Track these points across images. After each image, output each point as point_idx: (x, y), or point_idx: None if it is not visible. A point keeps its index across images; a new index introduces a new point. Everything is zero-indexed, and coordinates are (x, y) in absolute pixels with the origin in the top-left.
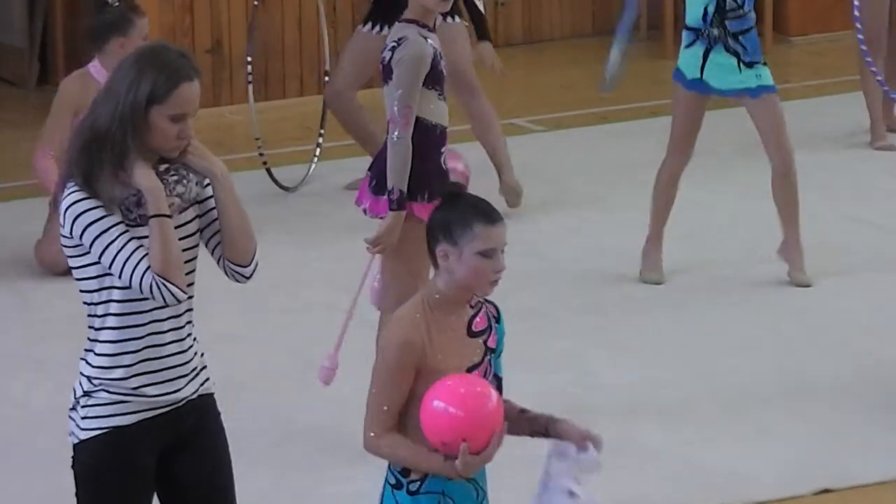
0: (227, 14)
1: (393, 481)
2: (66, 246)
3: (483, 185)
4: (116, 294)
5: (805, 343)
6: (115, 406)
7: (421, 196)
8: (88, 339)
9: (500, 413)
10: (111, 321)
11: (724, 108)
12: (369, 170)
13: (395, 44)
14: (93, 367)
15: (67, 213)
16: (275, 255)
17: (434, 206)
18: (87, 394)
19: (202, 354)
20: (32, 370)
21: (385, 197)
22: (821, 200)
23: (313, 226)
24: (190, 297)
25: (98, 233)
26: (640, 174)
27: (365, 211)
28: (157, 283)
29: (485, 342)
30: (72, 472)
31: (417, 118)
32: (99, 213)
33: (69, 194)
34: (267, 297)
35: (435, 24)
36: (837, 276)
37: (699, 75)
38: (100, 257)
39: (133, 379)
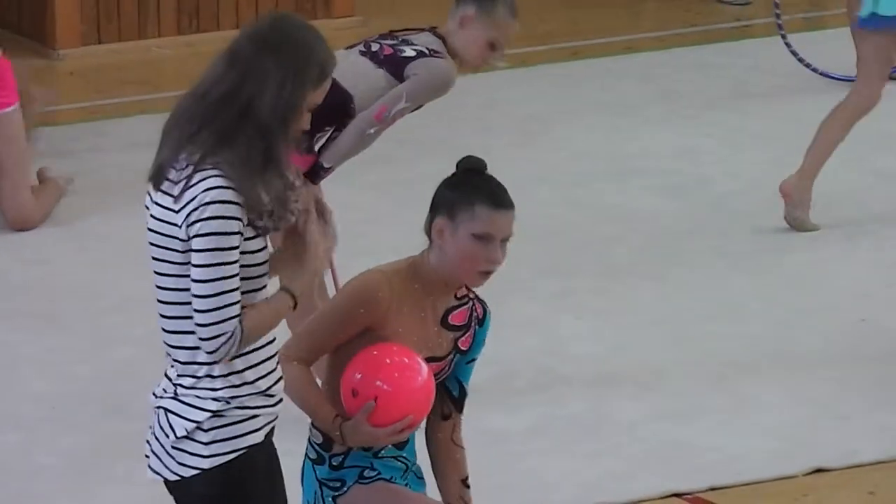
0: None
1: (314, 456)
2: (168, 235)
3: None
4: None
5: (797, 308)
6: (248, 422)
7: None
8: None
9: (426, 393)
10: None
11: (717, 42)
12: None
13: (425, 50)
14: (221, 386)
15: (207, 207)
16: None
17: (445, 180)
18: (216, 414)
19: None
20: None
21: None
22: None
23: None
24: None
25: (219, 246)
26: (615, 117)
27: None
28: (234, 339)
29: (456, 340)
30: None
31: (356, 92)
32: (236, 225)
33: (217, 186)
34: None
35: None
36: (840, 235)
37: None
38: (192, 264)
39: (270, 387)
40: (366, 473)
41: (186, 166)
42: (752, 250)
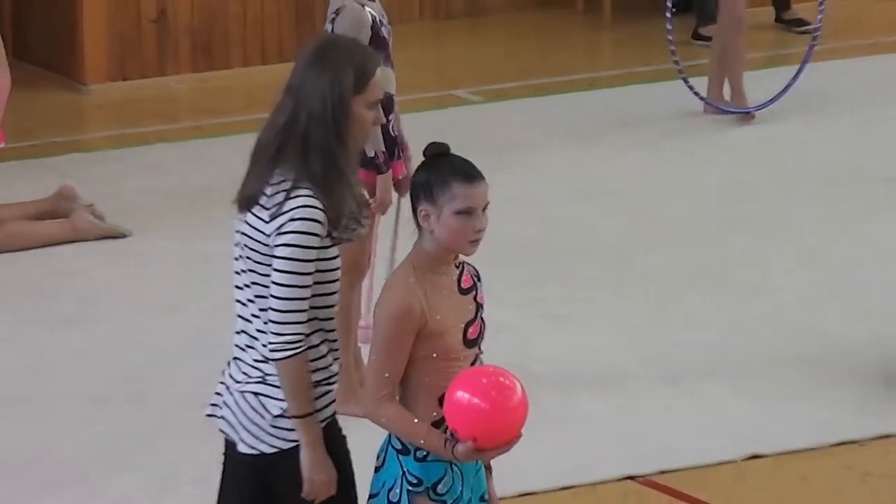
0: None
1: (399, 446)
2: (257, 242)
3: None
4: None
5: (746, 317)
6: (324, 398)
7: (370, 166)
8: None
9: (524, 410)
10: (312, 313)
11: (670, 80)
12: None
13: (333, 15)
14: (312, 364)
15: (294, 223)
16: (222, 225)
17: (417, 168)
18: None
19: None
20: None
21: None
22: (767, 177)
23: None
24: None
25: (300, 258)
26: (580, 145)
27: None
28: (294, 348)
29: (475, 299)
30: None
31: None
32: (317, 241)
33: (307, 205)
34: (216, 267)
35: None
36: (787, 252)
37: None
38: (274, 269)
39: (331, 365)
40: (439, 489)
41: (280, 187)
42: (705, 263)
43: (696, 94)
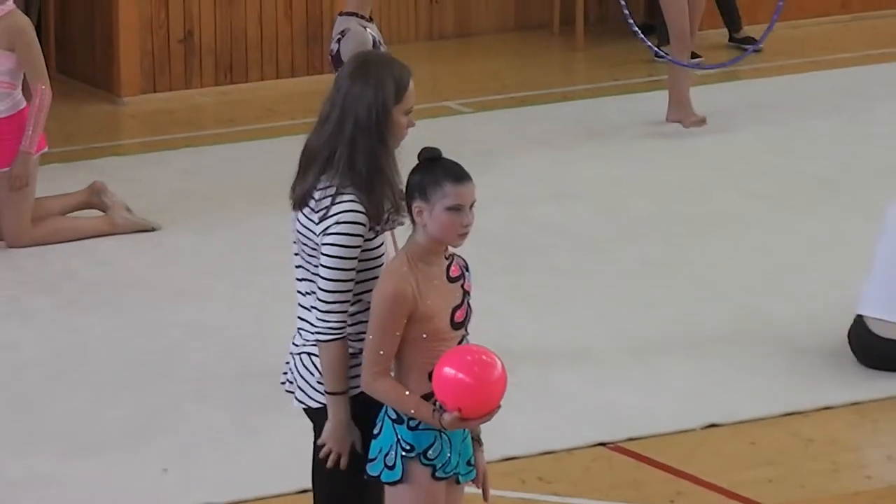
0: (197, 8)
1: (394, 416)
2: (308, 238)
3: None
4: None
5: (696, 299)
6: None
7: None
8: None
9: (503, 384)
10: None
11: (634, 93)
12: None
13: (340, 36)
14: (358, 336)
15: (339, 226)
16: (240, 221)
17: (412, 170)
18: (352, 356)
19: None
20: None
21: None
22: (720, 179)
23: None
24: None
25: (343, 256)
26: (555, 151)
27: None
28: (336, 331)
29: (462, 286)
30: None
31: None
32: (359, 241)
33: (350, 210)
34: (232, 257)
35: (371, 15)
36: (730, 244)
37: None
38: (322, 265)
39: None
40: (429, 454)
41: (326, 192)
42: (666, 254)
43: (656, 51)
